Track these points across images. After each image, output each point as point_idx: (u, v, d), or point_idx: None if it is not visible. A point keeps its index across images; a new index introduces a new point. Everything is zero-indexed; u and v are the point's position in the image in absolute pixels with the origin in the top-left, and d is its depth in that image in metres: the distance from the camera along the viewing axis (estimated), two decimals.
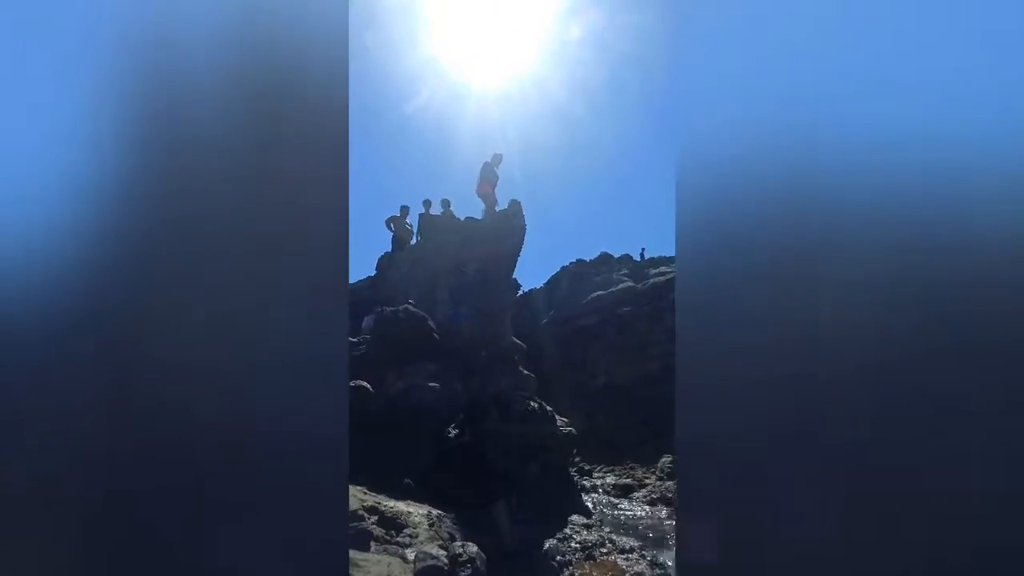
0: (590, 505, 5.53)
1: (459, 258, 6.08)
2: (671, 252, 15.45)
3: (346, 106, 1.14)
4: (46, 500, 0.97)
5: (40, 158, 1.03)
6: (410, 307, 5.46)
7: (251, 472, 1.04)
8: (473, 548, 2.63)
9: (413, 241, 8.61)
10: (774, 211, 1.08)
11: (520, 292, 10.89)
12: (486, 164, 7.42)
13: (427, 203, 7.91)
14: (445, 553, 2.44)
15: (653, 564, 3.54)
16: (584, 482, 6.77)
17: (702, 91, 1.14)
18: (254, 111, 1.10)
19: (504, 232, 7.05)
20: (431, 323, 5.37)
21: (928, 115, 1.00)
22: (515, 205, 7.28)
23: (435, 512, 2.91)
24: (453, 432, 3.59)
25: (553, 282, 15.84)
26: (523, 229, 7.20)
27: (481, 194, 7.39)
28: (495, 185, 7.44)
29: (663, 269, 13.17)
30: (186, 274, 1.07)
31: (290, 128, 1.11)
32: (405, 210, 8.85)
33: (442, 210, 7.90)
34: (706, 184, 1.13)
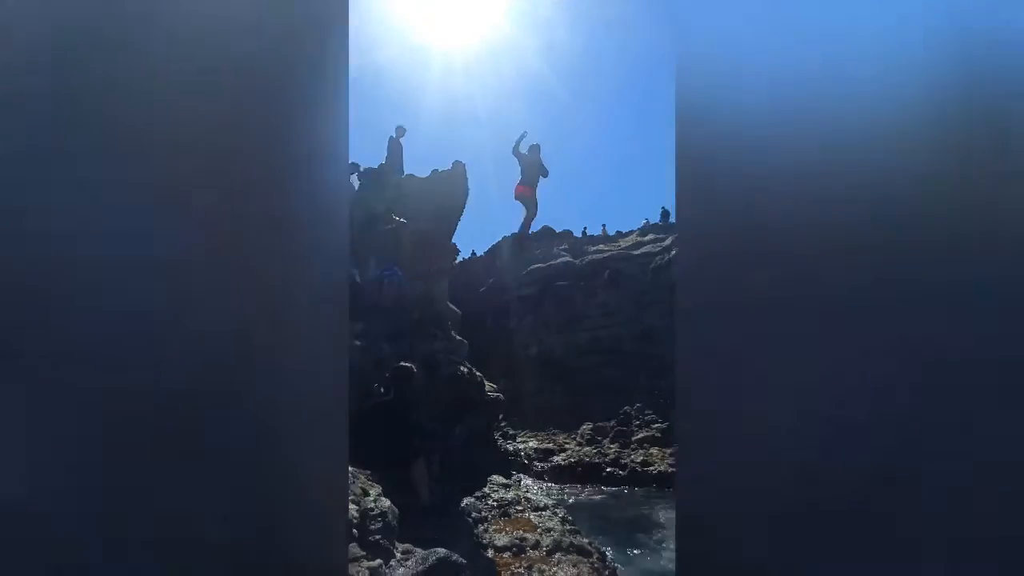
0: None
1: (397, 214, 5.81)
2: (611, 231, 15.89)
3: (346, 72, 1.10)
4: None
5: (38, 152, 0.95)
6: None
7: (249, 451, 1.00)
8: (386, 503, 2.60)
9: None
10: (775, 172, 1.03)
11: (460, 258, 10.71)
12: (523, 156, 6.02)
13: (400, 129, 7.54)
14: (356, 507, 2.39)
15: (564, 520, 3.72)
16: (508, 445, 6.95)
17: (702, 55, 1.07)
18: (249, 83, 1.06)
19: (445, 192, 6.82)
20: (359, 279, 5.13)
21: (939, 63, 0.95)
22: (459, 166, 7.05)
23: (350, 469, 2.82)
24: (378, 392, 3.49)
25: (494, 250, 15.78)
26: (466, 192, 7.02)
27: (518, 196, 6.37)
28: (536, 185, 6.20)
29: (601, 247, 13.54)
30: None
31: (289, 111, 1.07)
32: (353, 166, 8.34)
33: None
34: (705, 146, 1.07)
